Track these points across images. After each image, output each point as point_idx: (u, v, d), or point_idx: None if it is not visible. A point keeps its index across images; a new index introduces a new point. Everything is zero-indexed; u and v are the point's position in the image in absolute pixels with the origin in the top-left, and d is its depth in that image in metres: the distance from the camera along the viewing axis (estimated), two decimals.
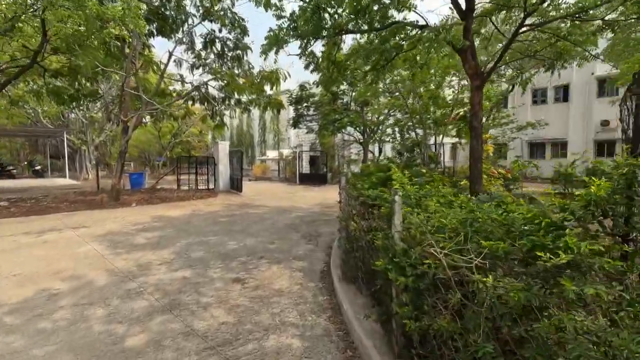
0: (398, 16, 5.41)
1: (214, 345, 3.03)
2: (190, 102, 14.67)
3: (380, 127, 22.11)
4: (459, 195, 4.20)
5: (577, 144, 25.67)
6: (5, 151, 38.00)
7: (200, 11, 12.20)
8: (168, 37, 12.76)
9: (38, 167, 26.60)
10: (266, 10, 8.89)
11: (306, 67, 6.95)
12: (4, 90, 13.51)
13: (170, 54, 12.30)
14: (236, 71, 13.71)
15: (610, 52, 8.65)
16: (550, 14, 5.34)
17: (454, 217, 2.28)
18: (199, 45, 12.84)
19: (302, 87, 22.08)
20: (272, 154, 37.00)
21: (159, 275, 4.83)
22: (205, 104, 13.99)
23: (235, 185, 16.59)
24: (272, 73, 12.87)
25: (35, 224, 8.46)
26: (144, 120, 16.85)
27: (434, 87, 8.39)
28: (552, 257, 1.59)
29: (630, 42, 7.95)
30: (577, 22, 5.03)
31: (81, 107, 20.92)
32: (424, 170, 4.93)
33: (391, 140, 18.17)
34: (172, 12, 12.06)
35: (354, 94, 21.72)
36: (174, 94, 14.34)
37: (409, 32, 5.48)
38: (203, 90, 13.26)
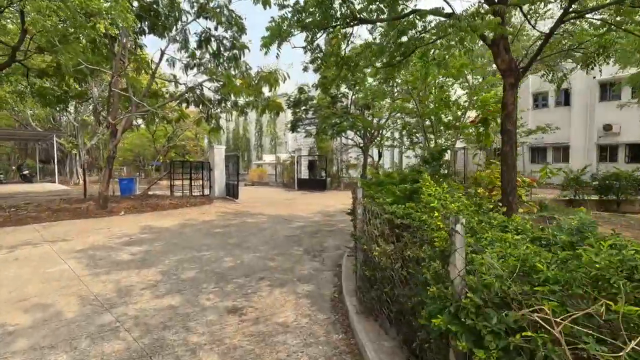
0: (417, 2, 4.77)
1: None
2: (184, 105, 13.95)
3: (382, 131, 21.52)
4: (491, 212, 3.54)
5: (579, 149, 25.30)
6: None
7: (195, 8, 11.53)
8: (161, 36, 12.06)
9: (26, 172, 25.66)
10: (265, 8, 8.27)
11: (312, 62, 6.26)
12: None
13: (162, 53, 11.59)
14: (233, 72, 13.03)
15: None
16: (591, 3, 4.74)
17: (542, 257, 1.60)
18: (193, 44, 12.16)
19: (300, 89, 21.43)
20: (269, 158, 36.27)
21: (142, 304, 4.10)
22: (200, 106, 13.27)
23: (231, 192, 15.85)
24: (270, 74, 12.21)
25: (9, 237, 7.68)
26: (134, 123, 16.10)
27: (447, 86, 7.76)
28: None
29: None
30: (634, 8, 4.39)
31: (68, 110, 20.05)
32: (456, 184, 4.27)
33: (397, 144, 17.46)
34: (165, 9, 11.38)
35: (354, 97, 21.14)
36: (167, 96, 13.60)
37: (430, 22, 4.83)
38: (198, 91, 12.56)
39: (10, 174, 30.08)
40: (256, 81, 12.32)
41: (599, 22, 4.88)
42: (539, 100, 27.22)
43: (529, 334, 1.27)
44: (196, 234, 8.06)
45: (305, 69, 19.05)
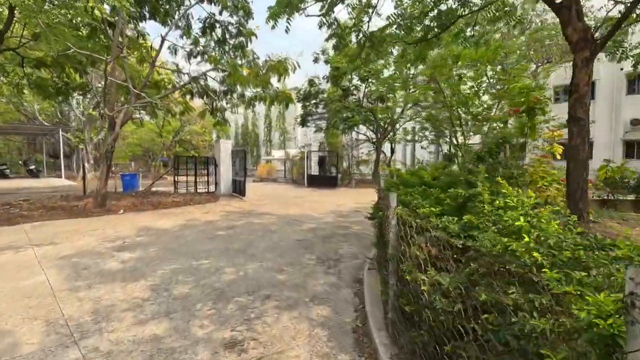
0: None
1: None
2: (188, 97, 13.17)
3: (396, 125, 20.54)
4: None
5: (604, 145, 24.07)
6: (5, 150, 36.91)
7: None
8: (163, 22, 11.28)
9: (32, 167, 25.32)
10: None
11: (328, 39, 5.37)
12: None
13: (163, 39, 10.78)
14: (239, 62, 12.20)
15: None
16: None
17: None
18: (196, 31, 11.34)
19: (311, 82, 20.54)
20: (277, 153, 35.49)
21: (120, 333, 3.32)
22: (205, 98, 12.48)
23: (237, 189, 15.10)
24: (279, 63, 11.35)
25: None
26: (138, 116, 15.43)
27: (482, 70, 6.78)
28: None
29: None
30: None
31: (69, 102, 19.48)
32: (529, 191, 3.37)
33: (418, 139, 16.33)
34: None
35: (366, 89, 20.15)
36: (169, 86, 12.83)
37: None
38: (202, 82, 11.75)
39: (18, 168, 29.86)
40: (264, 71, 11.47)
41: None
42: (560, 94, 25.98)
43: None
44: (197, 237, 7.30)
45: (316, 60, 17.94)
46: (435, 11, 4.00)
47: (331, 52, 20.50)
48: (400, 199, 3.30)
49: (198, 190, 14.88)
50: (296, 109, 27.46)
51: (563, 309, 1.45)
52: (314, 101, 21.51)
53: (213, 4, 10.73)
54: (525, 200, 2.07)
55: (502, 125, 7.90)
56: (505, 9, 3.66)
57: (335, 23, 5.07)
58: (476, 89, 7.19)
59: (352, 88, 20.06)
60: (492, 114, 7.32)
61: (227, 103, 13.24)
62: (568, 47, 4.22)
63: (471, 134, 7.62)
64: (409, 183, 4.56)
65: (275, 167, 30.01)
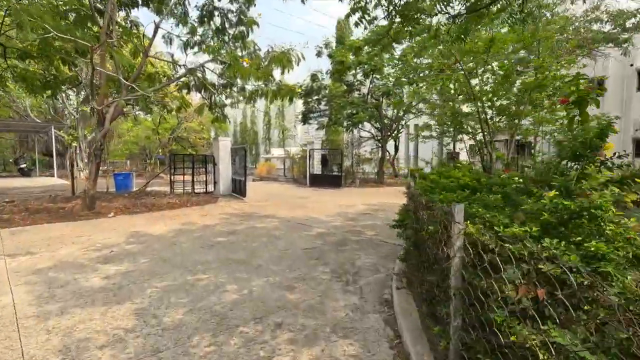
0: None
1: None
2: (185, 91, 12.35)
3: (403, 122, 19.80)
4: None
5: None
6: None
7: None
8: (157, 11, 10.46)
9: (24, 165, 24.44)
10: None
11: (348, 15, 4.53)
12: None
13: (157, 26, 9.93)
14: (240, 53, 11.39)
15: None
16: None
17: None
18: (193, 18, 10.51)
19: (313, 77, 19.75)
20: (277, 152, 34.71)
21: None
22: (203, 91, 11.67)
23: (237, 189, 14.32)
24: (283, 54, 10.55)
25: None
26: (132, 112, 14.60)
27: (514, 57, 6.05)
28: None
29: None
30: None
31: (57, 98, 18.59)
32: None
33: (437, 135, 15.50)
34: None
35: (371, 85, 19.36)
36: (164, 78, 12.00)
37: None
38: (199, 74, 10.94)
39: (9, 166, 28.96)
40: (266, 62, 10.67)
41: None
42: None
43: None
44: (193, 245, 6.52)
45: (319, 54, 16.96)
46: None
47: (334, 46, 19.72)
48: (480, 212, 2.51)
49: (196, 190, 14.09)
50: (296, 106, 26.67)
51: None
52: (316, 97, 20.74)
53: None
54: None
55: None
56: None
57: None
58: (507, 77, 6.39)
59: (356, 83, 19.29)
60: (522, 108, 6.56)
61: (226, 97, 12.44)
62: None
63: (497, 129, 6.88)
64: (448, 187, 3.81)
65: (275, 166, 29.27)
